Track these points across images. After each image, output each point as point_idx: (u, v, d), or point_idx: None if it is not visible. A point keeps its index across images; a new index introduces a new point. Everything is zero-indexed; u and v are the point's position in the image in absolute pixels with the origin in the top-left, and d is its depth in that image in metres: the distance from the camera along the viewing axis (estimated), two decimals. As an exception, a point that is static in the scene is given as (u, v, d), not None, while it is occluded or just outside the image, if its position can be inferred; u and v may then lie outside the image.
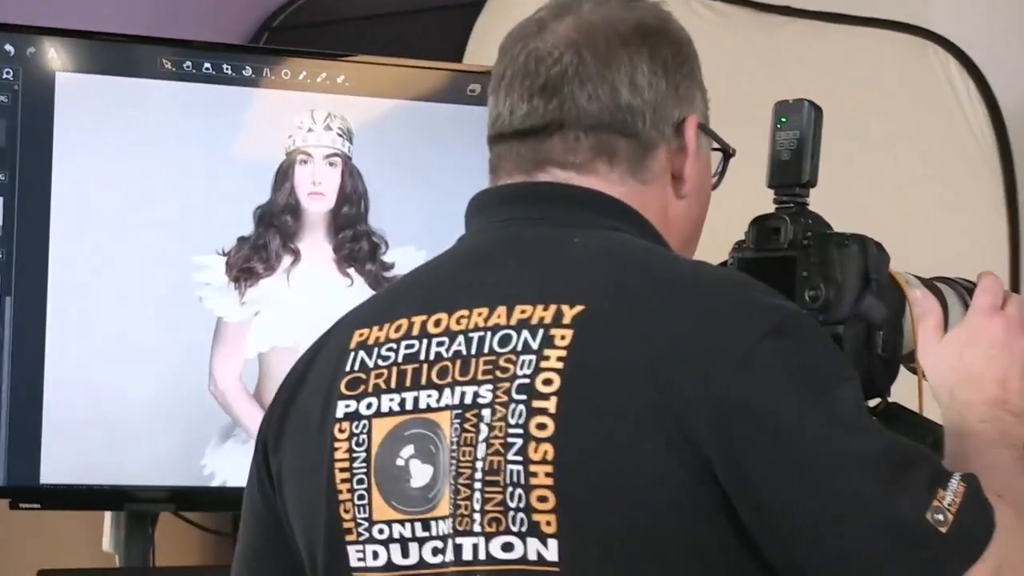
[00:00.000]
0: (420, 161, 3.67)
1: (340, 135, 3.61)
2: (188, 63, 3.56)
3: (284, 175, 3.58)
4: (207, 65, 3.54)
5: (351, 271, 3.60)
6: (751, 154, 2.23)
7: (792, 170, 2.20)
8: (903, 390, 2.22)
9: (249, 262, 3.54)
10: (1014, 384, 2.09)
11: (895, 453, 1.89)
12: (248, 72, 3.57)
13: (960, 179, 4.91)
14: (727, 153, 2.15)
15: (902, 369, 2.24)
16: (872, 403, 2.14)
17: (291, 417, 2.11)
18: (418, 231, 3.62)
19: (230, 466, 3.49)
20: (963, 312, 2.22)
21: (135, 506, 3.64)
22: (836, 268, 2.15)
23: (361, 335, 2.05)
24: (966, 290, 2.27)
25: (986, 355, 2.09)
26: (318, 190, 3.61)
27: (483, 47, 4.07)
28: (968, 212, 4.74)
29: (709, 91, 2.18)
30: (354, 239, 3.60)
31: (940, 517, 1.85)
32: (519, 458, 1.89)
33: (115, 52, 3.60)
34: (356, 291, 3.54)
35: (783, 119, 2.20)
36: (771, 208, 2.23)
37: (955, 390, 2.07)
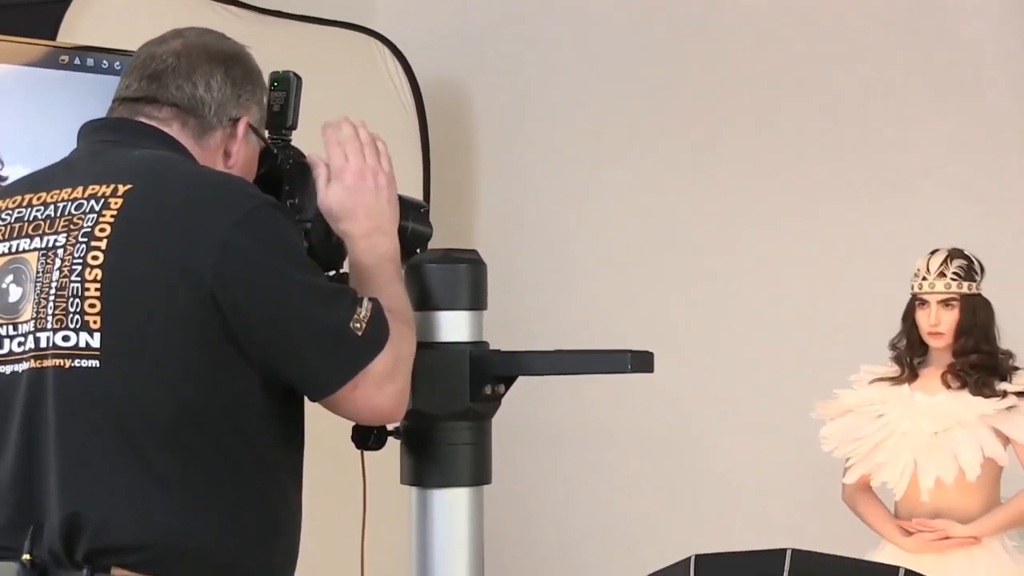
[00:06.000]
0: (27, 106, 3.64)
1: (-33, 89, 3.54)
2: None
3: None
4: None
5: (-25, 182, 3.55)
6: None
7: (281, 118, 2.21)
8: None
9: None
10: (383, 213, 2.13)
11: (331, 287, 2.04)
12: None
13: (394, 137, 5.02)
14: (270, 151, 2.19)
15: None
16: (330, 273, 2.15)
17: None
18: (23, 154, 3.59)
19: None
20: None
21: None
22: (308, 184, 2.17)
23: None
24: (408, 202, 2.32)
25: (362, 197, 2.13)
26: (-50, 126, 3.54)
27: (73, 29, 4.02)
28: (397, 160, 4.86)
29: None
30: (-23, 160, 3.55)
31: (358, 326, 1.99)
32: (78, 279, 1.97)
33: None
34: (-21, 196, 3.52)
35: (275, 83, 2.20)
36: None
37: (341, 224, 2.11)
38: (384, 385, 2.00)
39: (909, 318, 3.98)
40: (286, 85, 2.22)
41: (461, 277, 2.10)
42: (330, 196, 2.13)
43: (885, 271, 4.39)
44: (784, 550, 2.35)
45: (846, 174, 4.84)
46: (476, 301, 2.11)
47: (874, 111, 4.81)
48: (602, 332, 4.86)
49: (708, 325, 4.98)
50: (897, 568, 2.30)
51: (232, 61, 2.15)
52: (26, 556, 1.95)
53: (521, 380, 2.11)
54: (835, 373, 4.16)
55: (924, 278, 3.93)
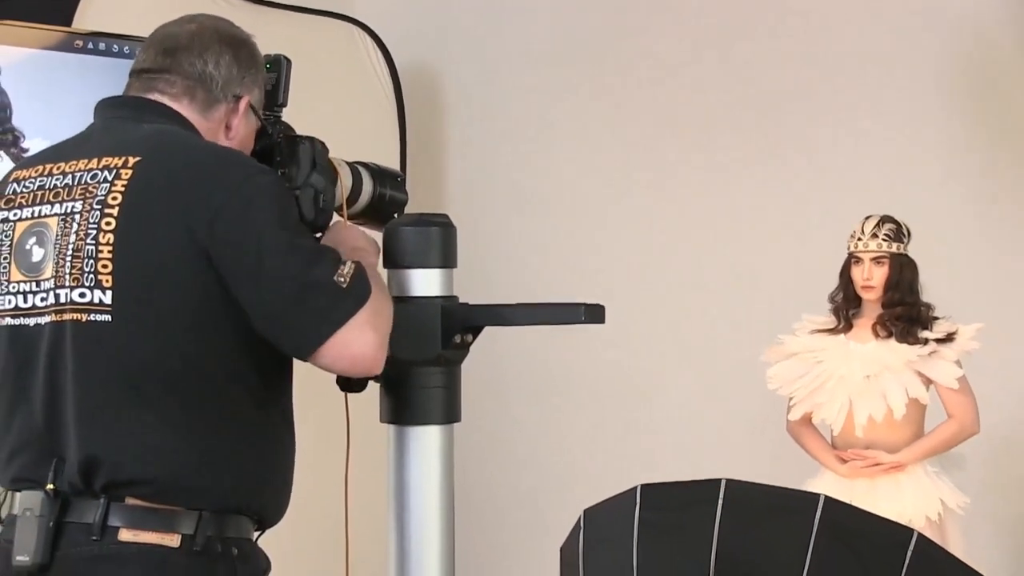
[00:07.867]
0: (45, 86, 3.66)
1: (-8, 68, 3.56)
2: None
3: (-42, 92, 3.52)
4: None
5: (0, 152, 3.56)
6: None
7: (273, 96, 2.24)
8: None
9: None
10: (360, 243, 2.16)
11: (317, 247, 2.06)
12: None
13: (374, 116, 5.03)
14: (265, 130, 2.22)
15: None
16: (317, 235, 2.17)
17: None
18: (43, 128, 3.61)
19: None
20: (372, 181, 2.28)
21: None
22: (296, 155, 2.19)
23: (16, 174, 2.15)
24: (374, 169, 2.33)
25: (349, 233, 2.17)
26: (-22, 101, 3.56)
27: (85, 16, 4.03)
28: (374, 141, 4.87)
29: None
30: (2, 133, 3.56)
31: (342, 279, 2.01)
32: (93, 242, 2.01)
33: None
34: (3, 165, 3.53)
35: (268, 65, 2.23)
36: None
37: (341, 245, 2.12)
38: (366, 335, 1.99)
39: (845, 274, 4.14)
40: (278, 67, 2.25)
41: (433, 238, 2.11)
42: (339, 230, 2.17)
43: (822, 229, 4.48)
44: (719, 480, 2.40)
45: (789, 138, 4.88)
46: (447, 260, 2.12)
47: (819, 76, 4.84)
48: (561, 287, 4.92)
49: (659, 279, 5.04)
50: (818, 495, 2.37)
51: (240, 45, 2.18)
52: (49, 486, 2.00)
53: (485, 330, 2.16)
54: (776, 321, 4.25)
55: (859, 239, 4.08)
